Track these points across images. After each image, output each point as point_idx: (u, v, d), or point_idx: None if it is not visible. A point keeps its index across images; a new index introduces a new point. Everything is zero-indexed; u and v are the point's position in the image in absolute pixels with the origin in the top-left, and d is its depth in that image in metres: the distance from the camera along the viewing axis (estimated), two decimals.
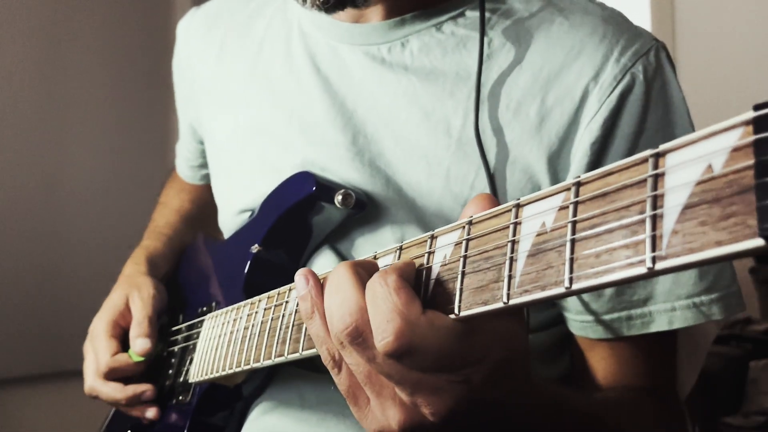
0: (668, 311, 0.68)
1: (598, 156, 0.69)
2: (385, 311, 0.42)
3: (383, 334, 0.42)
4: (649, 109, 0.69)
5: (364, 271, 0.47)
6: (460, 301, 0.42)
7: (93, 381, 0.87)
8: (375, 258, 0.53)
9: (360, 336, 0.44)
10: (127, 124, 2.35)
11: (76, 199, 2.22)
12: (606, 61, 0.69)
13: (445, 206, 0.72)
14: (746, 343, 1.88)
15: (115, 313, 0.88)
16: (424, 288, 0.46)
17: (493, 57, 0.72)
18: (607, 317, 0.70)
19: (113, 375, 0.86)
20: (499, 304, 0.39)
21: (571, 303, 0.72)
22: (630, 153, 0.69)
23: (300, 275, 0.50)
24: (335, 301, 0.45)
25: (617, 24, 0.72)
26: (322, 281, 0.50)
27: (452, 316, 0.42)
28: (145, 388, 0.85)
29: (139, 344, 0.85)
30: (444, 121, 0.72)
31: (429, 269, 0.46)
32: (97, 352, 0.87)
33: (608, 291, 0.69)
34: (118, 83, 2.34)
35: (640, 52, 0.70)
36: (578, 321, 0.72)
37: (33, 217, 2.13)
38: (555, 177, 0.70)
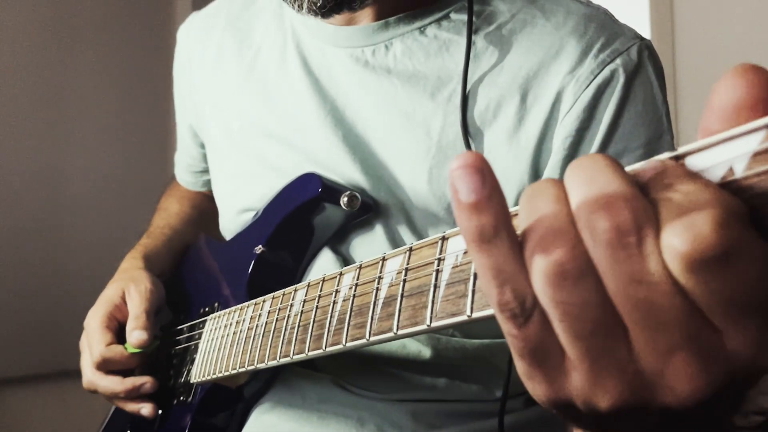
0: None
1: (572, 150, 0.68)
2: (690, 198, 0.27)
3: (690, 224, 0.26)
4: (627, 104, 0.68)
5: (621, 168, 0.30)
6: (472, 302, 0.42)
7: (91, 374, 0.86)
8: (384, 259, 0.52)
9: (632, 233, 0.27)
10: (129, 124, 2.35)
11: (78, 198, 2.22)
12: (584, 56, 0.69)
13: (430, 208, 0.72)
14: None
15: (111, 306, 0.88)
16: (434, 290, 0.45)
17: (477, 60, 0.72)
18: None
19: (108, 366, 0.85)
20: None
21: None
22: (603, 148, 0.68)
23: (463, 168, 0.31)
24: (590, 191, 0.28)
25: (599, 22, 0.71)
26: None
27: (465, 317, 0.42)
28: (144, 380, 0.84)
29: (136, 336, 0.84)
30: (424, 123, 0.72)
31: (439, 272, 0.46)
32: (92, 345, 0.86)
33: None
34: (120, 83, 2.33)
35: (620, 49, 0.69)
36: None
37: (34, 218, 2.12)
38: (537, 176, 0.69)
